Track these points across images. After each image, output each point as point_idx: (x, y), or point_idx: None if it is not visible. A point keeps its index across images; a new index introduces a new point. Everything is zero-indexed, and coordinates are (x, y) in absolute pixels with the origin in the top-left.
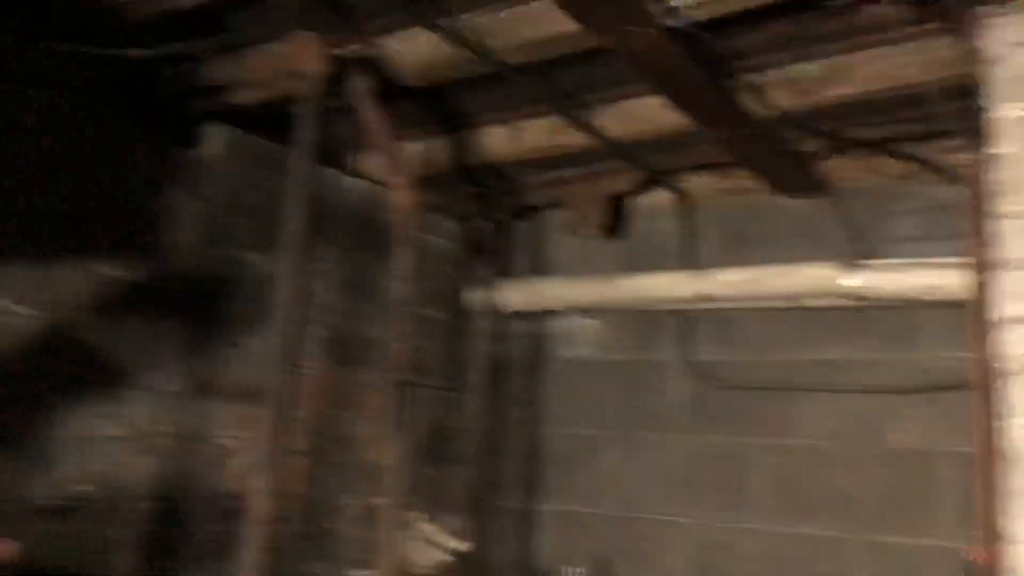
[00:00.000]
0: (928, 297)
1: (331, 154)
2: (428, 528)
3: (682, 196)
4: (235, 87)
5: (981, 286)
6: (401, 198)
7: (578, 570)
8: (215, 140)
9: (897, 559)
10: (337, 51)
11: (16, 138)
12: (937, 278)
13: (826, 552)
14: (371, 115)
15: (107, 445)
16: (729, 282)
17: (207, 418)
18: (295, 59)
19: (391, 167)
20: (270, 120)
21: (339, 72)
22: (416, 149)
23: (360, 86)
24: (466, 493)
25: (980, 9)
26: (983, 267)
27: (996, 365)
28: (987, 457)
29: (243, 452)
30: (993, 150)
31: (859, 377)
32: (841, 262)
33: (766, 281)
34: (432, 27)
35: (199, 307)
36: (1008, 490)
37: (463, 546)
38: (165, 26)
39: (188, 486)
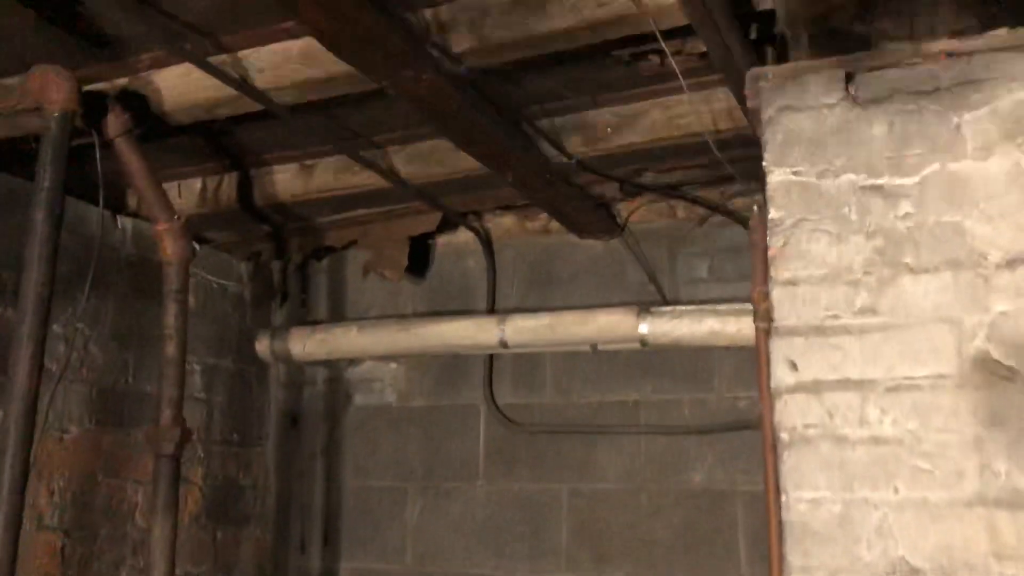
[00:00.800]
0: (720, 342)
1: (104, 192)
2: None
3: (484, 236)
4: None
5: (761, 336)
6: (167, 245)
7: None
8: None
9: None
10: (90, 86)
11: None
12: (726, 324)
13: None
14: (128, 155)
15: None
16: (525, 328)
17: None
18: (36, 93)
19: (155, 211)
20: (21, 156)
21: (94, 108)
22: (196, 186)
23: (115, 123)
24: (258, 555)
25: (753, 70)
26: (763, 317)
27: (778, 434)
28: (776, 498)
29: None
30: (769, 213)
31: (659, 417)
32: (634, 308)
33: (562, 327)
34: (196, 62)
35: None
36: (788, 567)
37: None
38: None
39: None
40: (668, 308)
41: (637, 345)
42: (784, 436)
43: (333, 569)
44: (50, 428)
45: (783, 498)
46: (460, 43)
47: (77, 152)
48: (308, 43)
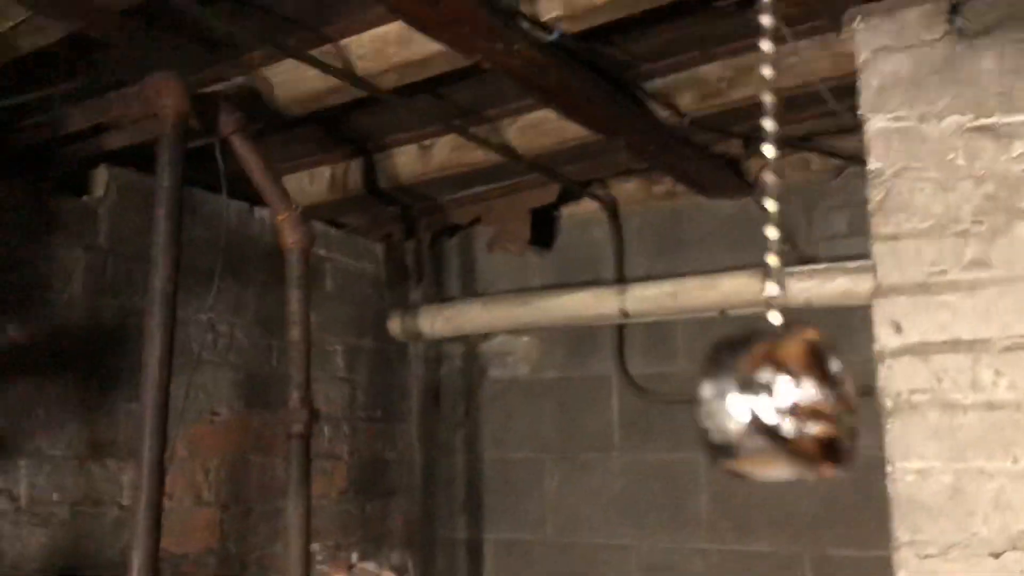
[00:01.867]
0: (853, 302)
1: (242, 186)
2: (369, 567)
3: (608, 204)
4: (108, 130)
5: None
6: (287, 234)
7: None
8: (101, 184)
9: (844, 572)
10: (203, 89)
11: None
12: (858, 283)
13: (772, 569)
14: (243, 150)
15: None
16: (646, 297)
17: (105, 481)
18: (152, 100)
19: (273, 202)
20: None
21: (208, 109)
22: (325, 174)
23: (227, 121)
24: (407, 527)
25: (851, 10)
26: None
27: (882, 401)
28: None
29: None
30: (868, 163)
31: None
32: (760, 270)
33: (685, 295)
34: (299, 56)
35: (92, 364)
36: (895, 542)
37: None
38: (14, 74)
39: (87, 555)
40: (798, 268)
41: (765, 310)
42: (888, 403)
43: (477, 540)
44: (202, 411)
45: (888, 469)
46: (549, 10)
47: (208, 151)
48: (402, 25)
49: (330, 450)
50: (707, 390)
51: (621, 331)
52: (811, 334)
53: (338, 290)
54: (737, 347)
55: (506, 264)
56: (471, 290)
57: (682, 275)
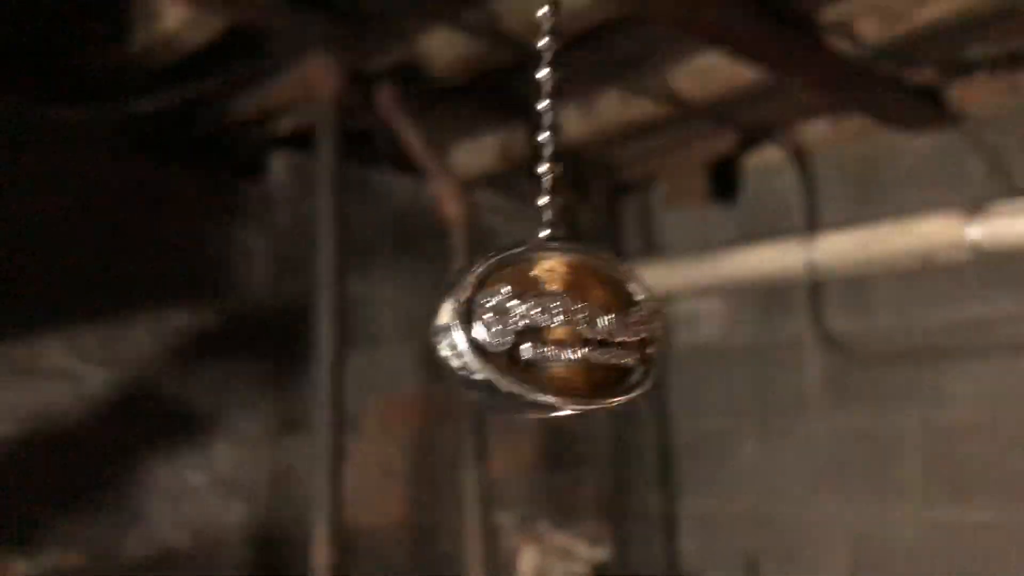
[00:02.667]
0: None
1: (409, 161)
2: (561, 539)
3: (793, 149)
4: (275, 116)
5: None
6: (448, 207)
7: None
8: (277, 169)
9: None
10: (361, 66)
11: (65, 201)
12: None
13: (994, 539)
14: (403, 127)
15: (197, 495)
16: (834, 248)
17: (297, 456)
18: (309, 83)
19: (433, 175)
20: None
21: (365, 86)
22: (490, 142)
23: (384, 98)
24: (598, 498)
25: None
26: None
27: None
28: None
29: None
30: None
31: (1015, 335)
32: (961, 210)
33: (880, 242)
34: (451, 24)
35: (279, 343)
36: None
37: (600, 555)
38: (184, 68)
39: (283, 528)
40: (1005, 204)
41: (970, 254)
42: None
43: (671, 511)
44: (386, 386)
45: None
46: None
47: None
48: None
49: (515, 422)
50: (443, 316)
51: (816, 287)
52: (580, 252)
53: None
54: (476, 263)
55: (686, 221)
56: (651, 251)
57: (878, 221)
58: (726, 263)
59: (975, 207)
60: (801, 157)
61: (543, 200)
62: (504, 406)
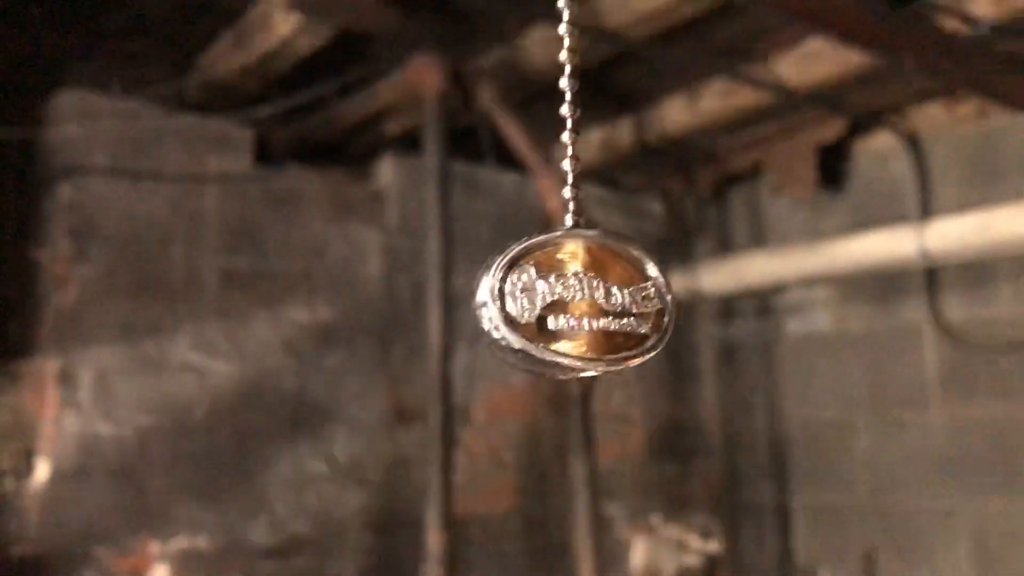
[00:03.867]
0: None
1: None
2: (672, 530)
3: (906, 133)
4: (382, 120)
5: None
6: (551, 200)
7: None
8: (386, 170)
9: None
10: (462, 66)
11: (191, 202)
12: None
13: None
14: (502, 121)
15: (318, 482)
16: (949, 233)
17: (411, 444)
18: (414, 83)
19: (536, 169)
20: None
21: (469, 85)
22: (595, 136)
23: (485, 96)
24: (709, 489)
25: None
26: None
27: None
28: None
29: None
30: None
31: None
32: None
33: (997, 227)
34: (548, 20)
35: (392, 335)
36: None
37: (712, 547)
38: (299, 75)
39: (400, 514)
40: None
41: None
42: None
43: (784, 504)
44: (496, 378)
45: None
46: None
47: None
48: None
49: (623, 412)
50: (480, 293)
51: (932, 273)
52: (599, 236)
53: None
54: (508, 248)
55: (794, 210)
56: (759, 240)
57: (991, 206)
58: (837, 251)
59: None
60: (914, 142)
61: (567, 192)
62: (538, 369)
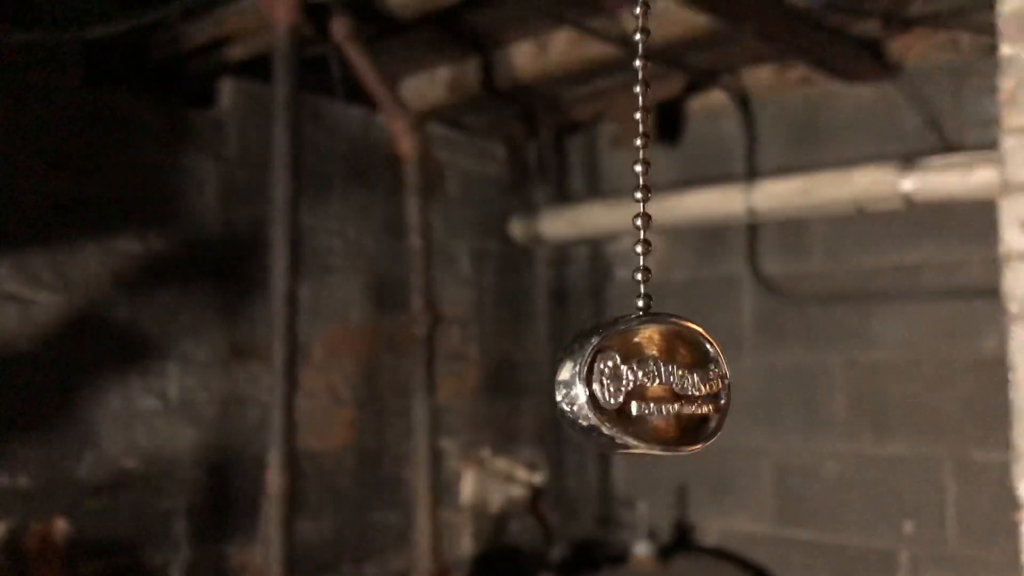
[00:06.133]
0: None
1: (361, 92)
2: (500, 463)
3: (738, 94)
4: (226, 44)
5: None
6: (402, 142)
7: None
8: (227, 96)
9: (988, 477)
10: None
11: (14, 124)
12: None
13: (914, 472)
14: (356, 57)
15: (149, 419)
16: (775, 193)
17: (247, 382)
18: (265, 12)
19: (387, 109)
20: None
21: (320, 17)
22: (443, 76)
23: (339, 29)
24: (537, 425)
25: None
26: None
27: (1006, 306)
28: None
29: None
30: (1000, 50)
31: (942, 281)
32: (895, 162)
33: (816, 191)
34: None
35: (229, 270)
36: (1015, 453)
37: (537, 479)
38: None
39: (234, 451)
40: (937, 159)
41: (901, 205)
42: (1013, 308)
43: None
44: (335, 315)
45: (1010, 376)
46: None
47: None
48: None
49: (460, 351)
50: (563, 374)
51: (753, 230)
52: (670, 322)
53: (461, 193)
54: (592, 333)
55: (630, 162)
56: (595, 190)
57: (816, 169)
58: (669, 204)
59: (908, 161)
60: (744, 103)
61: (638, 276)
62: (614, 451)
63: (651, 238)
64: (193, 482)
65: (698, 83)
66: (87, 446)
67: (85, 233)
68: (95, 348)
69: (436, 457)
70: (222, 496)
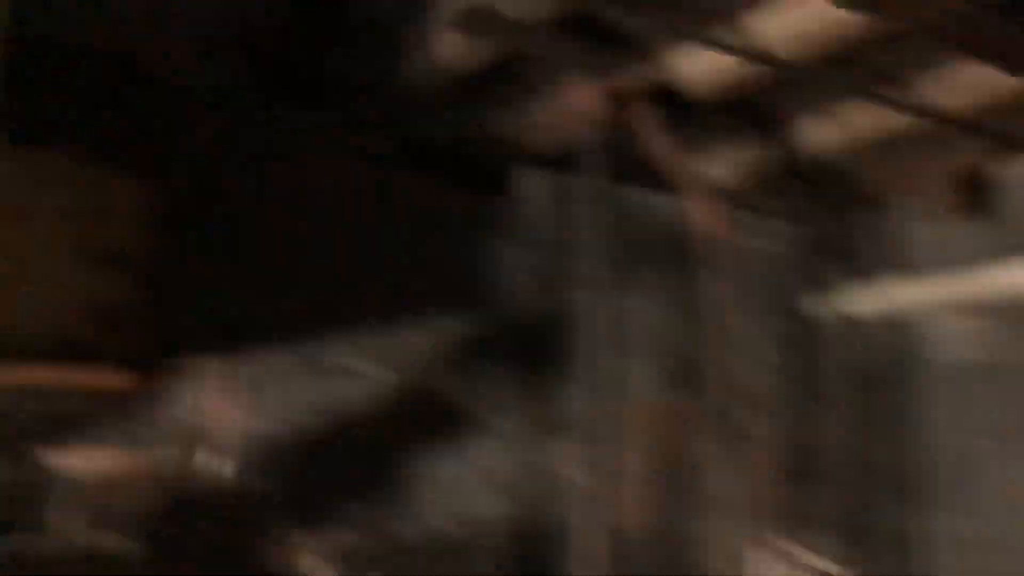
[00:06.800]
0: None
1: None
2: (796, 551)
3: None
4: (532, 135)
5: None
6: (701, 220)
7: None
8: (529, 185)
9: None
10: (617, 87)
11: (349, 216)
12: None
13: None
14: (658, 144)
15: (463, 486)
16: None
17: (556, 456)
18: (571, 105)
19: (686, 189)
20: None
21: (622, 107)
22: (736, 157)
23: (640, 116)
24: (836, 513)
25: None
26: None
27: None
28: None
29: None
30: None
31: None
32: None
33: None
34: (703, 42)
35: (537, 351)
36: None
37: (835, 569)
38: (445, 90)
39: (541, 521)
40: None
41: None
42: None
43: (924, 528)
44: (636, 395)
45: None
46: None
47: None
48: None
49: (754, 433)
50: None
51: None
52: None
53: (751, 272)
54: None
55: (937, 236)
56: (896, 268)
57: None
58: (983, 279)
59: None
60: None
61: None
62: None
63: (963, 318)
64: (502, 550)
65: (1010, 148)
66: (408, 509)
67: (410, 313)
68: (417, 419)
69: (728, 539)
70: (530, 565)
